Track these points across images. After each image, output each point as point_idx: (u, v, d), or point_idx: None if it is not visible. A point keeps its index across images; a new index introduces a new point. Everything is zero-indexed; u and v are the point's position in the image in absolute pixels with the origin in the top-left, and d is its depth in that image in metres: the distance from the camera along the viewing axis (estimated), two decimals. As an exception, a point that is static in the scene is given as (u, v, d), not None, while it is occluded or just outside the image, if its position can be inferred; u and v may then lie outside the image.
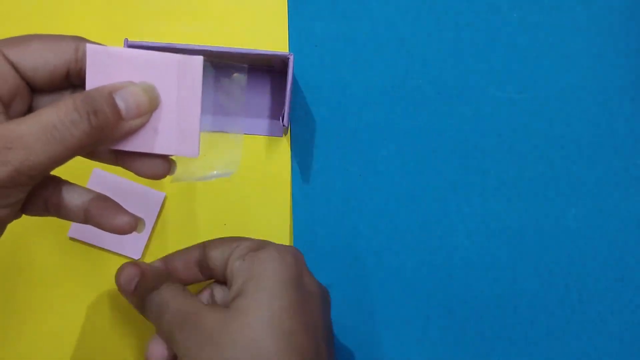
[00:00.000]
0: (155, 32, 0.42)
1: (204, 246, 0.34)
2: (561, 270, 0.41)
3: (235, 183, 0.41)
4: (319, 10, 0.42)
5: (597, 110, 0.42)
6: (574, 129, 0.42)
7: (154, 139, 0.27)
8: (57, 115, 0.24)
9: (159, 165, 0.28)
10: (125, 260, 0.40)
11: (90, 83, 0.27)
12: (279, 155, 0.41)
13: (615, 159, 0.42)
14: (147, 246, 0.40)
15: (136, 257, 0.39)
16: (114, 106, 0.26)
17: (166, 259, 0.35)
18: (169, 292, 0.31)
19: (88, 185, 0.39)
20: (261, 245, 0.32)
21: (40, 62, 0.27)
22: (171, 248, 0.40)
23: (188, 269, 0.34)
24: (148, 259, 0.40)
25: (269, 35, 0.42)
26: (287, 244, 0.40)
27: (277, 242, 0.33)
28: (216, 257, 0.33)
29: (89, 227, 0.39)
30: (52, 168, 0.25)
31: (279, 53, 0.37)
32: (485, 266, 0.41)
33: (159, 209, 0.40)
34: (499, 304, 0.40)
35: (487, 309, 0.40)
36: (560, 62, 0.42)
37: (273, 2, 0.42)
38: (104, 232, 0.39)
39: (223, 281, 0.33)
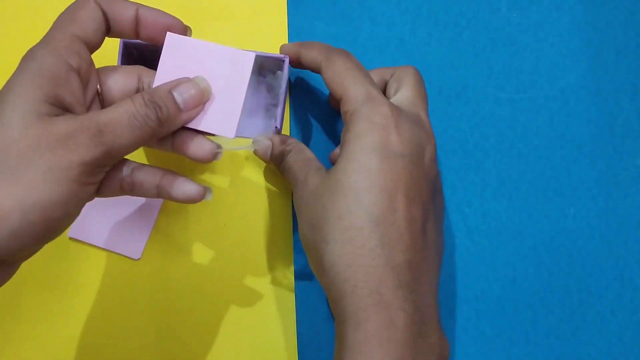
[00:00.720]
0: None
1: (320, 68, 0.36)
2: (561, 270, 0.41)
3: (235, 183, 0.41)
4: (319, 10, 0.42)
5: (597, 110, 0.42)
6: (573, 129, 0.42)
7: (201, 118, 0.32)
8: (134, 107, 0.30)
9: (207, 147, 0.33)
10: (125, 260, 0.40)
11: (163, 62, 0.32)
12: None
13: (615, 159, 0.42)
14: (147, 246, 0.40)
15: (136, 257, 0.39)
16: (174, 101, 0.31)
17: (300, 50, 0.37)
18: (292, 159, 0.36)
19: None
20: (355, 107, 0.33)
21: (95, 25, 0.31)
22: (171, 248, 0.40)
23: (316, 69, 0.36)
24: (148, 259, 0.40)
25: (269, 35, 0.42)
26: (288, 243, 0.40)
27: (297, 220, 0.36)
28: (331, 91, 0.35)
29: (88, 227, 0.40)
30: (130, 152, 0.30)
31: (274, 55, 0.37)
32: (485, 266, 0.41)
33: (159, 209, 0.40)
34: (499, 304, 0.40)
35: (487, 309, 0.40)
36: (560, 62, 0.43)
37: (273, 2, 0.42)
38: (104, 232, 0.39)
39: None
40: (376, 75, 0.37)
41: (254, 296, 0.40)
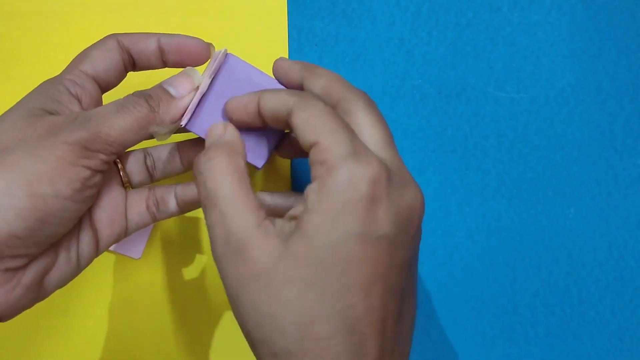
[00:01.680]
0: (153, 30, 0.42)
1: (290, 112, 0.28)
2: (561, 270, 0.41)
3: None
4: (319, 10, 0.42)
5: (597, 110, 0.42)
6: (574, 129, 0.42)
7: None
8: (124, 99, 0.30)
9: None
10: (125, 260, 0.40)
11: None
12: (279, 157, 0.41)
13: (615, 159, 0.42)
14: (147, 246, 0.40)
15: (136, 257, 0.39)
16: (164, 90, 0.31)
17: (260, 99, 0.30)
18: (218, 170, 0.28)
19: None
20: (335, 162, 0.26)
21: (108, 62, 0.32)
22: (172, 248, 0.40)
23: (279, 123, 0.30)
24: (148, 259, 0.40)
25: (269, 35, 0.42)
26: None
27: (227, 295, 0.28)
28: (300, 139, 0.28)
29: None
30: (127, 140, 0.29)
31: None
32: (485, 265, 0.41)
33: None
34: (499, 304, 0.40)
35: (487, 309, 0.40)
36: (560, 62, 0.43)
37: (273, 2, 0.42)
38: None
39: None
40: (284, 92, 0.30)
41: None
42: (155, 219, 0.34)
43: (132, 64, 0.33)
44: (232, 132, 0.30)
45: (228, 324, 0.39)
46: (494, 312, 0.40)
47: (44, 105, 0.29)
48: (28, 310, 0.39)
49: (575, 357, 0.40)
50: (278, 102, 0.29)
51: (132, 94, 0.31)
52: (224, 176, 0.27)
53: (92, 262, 0.39)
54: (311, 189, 0.26)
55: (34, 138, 0.27)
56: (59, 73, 0.31)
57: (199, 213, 0.40)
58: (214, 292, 0.40)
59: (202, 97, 0.32)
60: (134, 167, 0.34)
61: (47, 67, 0.41)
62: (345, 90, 0.29)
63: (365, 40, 0.42)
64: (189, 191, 0.33)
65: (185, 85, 0.31)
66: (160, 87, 0.31)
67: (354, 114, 0.29)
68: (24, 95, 0.30)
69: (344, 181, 0.25)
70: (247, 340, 0.27)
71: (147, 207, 0.33)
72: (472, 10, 0.43)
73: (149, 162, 0.35)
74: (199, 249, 0.40)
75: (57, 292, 0.39)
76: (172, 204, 0.33)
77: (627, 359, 0.40)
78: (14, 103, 0.29)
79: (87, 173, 0.28)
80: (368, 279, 0.25)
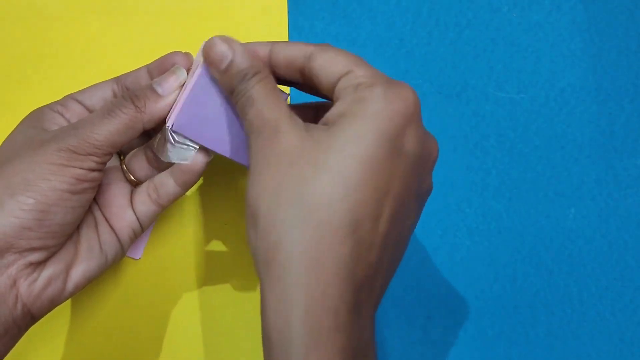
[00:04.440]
0: (153, 31, 0.42)
1: (310, 55, 0.30)
2: (561, 270, 0.41)
3: (235, 183, 0.41)
4: (319, 10, 0.42)
5: (597, 110, 0.42)
6: (573, 129, 0.42)
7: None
8: (111, 103, 0.31)
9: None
10: (125, 260, 0.40)
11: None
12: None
13: (615, 159, 0.42)
14: (147, 246, 0.40)
15: (136, 257, 0.39)
16: (152, 89, 0.32)
17: (273, 47, 0.31)
18: (257, 88, 0.29)
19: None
20: (373, 81, 0.27)
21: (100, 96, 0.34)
22: (172, 248, 0.40)
23: (289, 70, 0.31)
24: (148, 260, 0.40)
25: (269, 35, 0.42)
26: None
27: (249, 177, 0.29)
28: (324, 74, 0.29)
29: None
30: (116, 142, 0.31)
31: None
32: (485, 265, 0.41)
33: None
34: (499, 304, 0.40)
35: (487, 309, 0.40)
36: (560, 62, 0.43)
37: (273, 2, 0.42)
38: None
39: (321, 95, 0.32)
40: (297, 44, 0.31)
41: (255, 295, 0.40)
42: (160, 205, 0.34)
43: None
44: (243, 56, 0.30)
45: (229, 324, 0.39)
46: (494, 312, 0.40)
47: (35, 124, 0.32)
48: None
49: (576, 358, 0.40)
50: (294, 49, 0.30)
51: (121, 95, 0.32)
52: (260, 92, 0.29)
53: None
54: (345, 92, 0.27)
55: (30, 149, 0.30)
56: (58, 73, 0.32)
57: (199, 211, 0.40)
58: (214, 292, 0.40)
59: (186, 100, 0.32)
60: (137, 165, 0.35)
61: (49, 67, 0.40)
62: (306, 45, 0.30)
63: (365, 40, 0.42)
64: (184, 165, 0.33)
65: (171, 83, 0.32)
66: (148, 86, 0.32)
67: (318, 56, 0.30)
68: (25, 96, 0.32)
69: (381, 94, 0.27)
70: (252, 219, 0.27)
71: (148, 195, 0.34)
72: (472, 10, 0.43)
73: (149, 155, 0.35)
74: (199, 249, 0.40)
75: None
76: (170, 184, 0.34)
77: (628, 359, 0.40)
78: (13, 103, 0.30)
79: (80, 172, 0.30)
80: (382, 184, 0.26)
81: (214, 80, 0.31)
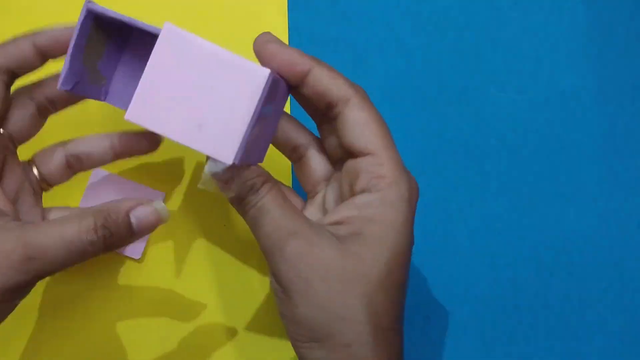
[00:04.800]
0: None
1: (348, 101, 0.29)
2: (562, 271, 0.41)
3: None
4: (319, 10, 0.42)
5: (598, 111, 0.42)
6: (574, 129, 0.42)
7: (195, 134, 0.27)
8: (78, 234, 0.27)
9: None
10: (125, 260, 0.40)
11: (155, 62, 0.27)
12: (279, 158, 0.41)
13: (615, 159, 0.42)
14: (147, 246, 0.40)
15: (136, 257, 0.39)
16: (129, 225, 0.28)
17: (313, 71, 0.29)
18: (269, 197, 0.28)
19: (88, 185, 0.39)
20: (395, 177, 0.28)
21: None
22: (172, 249, 0.40)
23: (316, 99, 0.30)
24: (148, 260, 0.40)
25: (269, 35, 0.42)
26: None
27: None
28: (350, 131, 0.29)
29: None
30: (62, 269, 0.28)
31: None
32: (485, 266, 0.41)
33: (159, 209, 0.40)
34: (499, 304, 0.40)
35: (487, 309, 0.40)
36: (560, 63, 0.42)
37: (273, 2, 0.42)
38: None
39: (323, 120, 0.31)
40: (341, 77, 0.30)
41: (255, 296, 0.40)
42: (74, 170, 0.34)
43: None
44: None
45: (229, 325, 0.39)
46: (494, 313, 0.40)
47: None
48: (28, 311, 0.39)
49: (576, 358, 0.40)
50: (333, 87, 0.29)
51: (95, 221, 0.28)
52: (274, 201, 0.28)
53: (92, 262, 0.39)
54: (371, 202, 0.28)
55: None
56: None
57: (198, 212, 0.40)
58: (214, 292, 0.40)
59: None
60: (54, 169, 0.33)
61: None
62: (347, 84, 0.30)
63: (365, 41, 0.42)
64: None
65: (150, 221, 0.29)
66: (125, 217, 0.28)
67: (356, 108, 0.29)
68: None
69: (403, 197, 0.28)
70: (299, 334, 0.28)
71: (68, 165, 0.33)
72: (472, 11, 0.43)
73: (70, 160, 0.34)
74: (199, 249, 0.40)
75: (56, 292, 0.39)
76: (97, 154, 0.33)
77: (627, 359, 0.40)
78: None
79: (18, 301, 0.29)
80: (403, 280, 0.29)
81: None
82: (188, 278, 0.40)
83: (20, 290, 0.28)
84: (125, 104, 0.33)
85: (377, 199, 0.28)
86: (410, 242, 0.29)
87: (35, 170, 0.33)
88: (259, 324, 0.39)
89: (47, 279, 0.39)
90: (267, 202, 0.28)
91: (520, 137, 0.42)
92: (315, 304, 0.27)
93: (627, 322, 0.40)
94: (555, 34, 0.43)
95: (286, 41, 0.42)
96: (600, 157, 0.42)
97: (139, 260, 0.40)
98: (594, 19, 0.43)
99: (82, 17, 0.29)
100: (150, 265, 0.40)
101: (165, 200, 0.40)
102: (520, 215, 0.41)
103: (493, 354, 0.40)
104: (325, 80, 0.29)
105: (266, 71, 0.27)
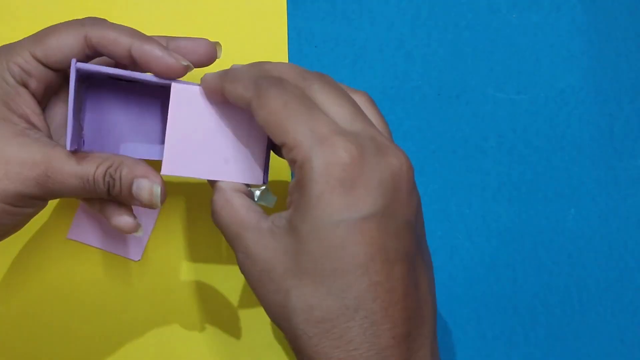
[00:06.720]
0: (152, 31, 0.42)
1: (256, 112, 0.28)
2: (561, 271, 0.41)
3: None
4: (319, 10, 0.42)
5: (597, 111, 0.42)
6: (573, 130, 0.42)
7: (224, 169, 0.31)
8: (92, 175, 0.30)
9: (128, 223, 0.33)
10: (125, 262, 0.40)
11: (173, 117, 0.30)
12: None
13: (615, 160, 0.42)
14: (147, 247, 0.40)
15: (136, 258, 0.39)
16: (129, 188, 0.31)
17: (224, 85, 0.29)
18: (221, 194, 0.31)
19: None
20: (304, 156, 0.26)
21: (64, 54, 0.31)
22: (171, 249, 0.40)
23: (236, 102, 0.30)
24: (148, 260, 0.40)
25: (269, 36, 0.42)
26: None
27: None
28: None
29: (88, 229, 0.40)
30: (72, 196, 0.31)
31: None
32: (485, 266, 0.41)
33: (158, 211, 0.40)
34: (499, 304, 0.40)
35: (487, 309, 0.40)
36: (559, 63, 0.42)
37: (273, 3, 0.42)
38: (103, 233, 0.39)
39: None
40: (244, 82, 0.29)
41: (254, 296, 0.40)
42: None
43: (96, 55, 0.32)
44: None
45: (228, 325, 0.39)
46: (494, 313, 0.40)
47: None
48: (26, 314, 0.39)
49: (576, 358, 0.40)
50: (237, 97, 0.29)
51: (108, 167, 0.30)
52: (223, 204, 0.30)
53: (92, 264, 0.40)
54: (292, 186, 0.27)
55: None
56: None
57: (198, 213, 0.40)
58: (213, 293, 0.40)
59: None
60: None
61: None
62: (299, 76, 0.29)
63: (365, 41, 0.42)
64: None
65: (143, 197, 0.31)
66: (130, 180, 0.31)
67: (313, 98, 0.28)
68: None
69: (314, 174, 0.26)
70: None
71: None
72: (472, 11, 0.43)
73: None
74: (199, 250, 0.40)
75: (55, 295, 0.39)
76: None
77: (627, 359, 0.40)
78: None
79: (32, 209, 0.31)
80: (361, 258, 0.26)
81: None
82: (188, 279, 0.40)
83: (32, 201, 0.30)
84: (102, 146, 0.34)
85: (294, 183, 0.27)
86: (339, 219, 0.26)
87: None
88: (260, 324, 0.39)
89: (47, 279, 0.39)
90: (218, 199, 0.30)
91: (520, 137, 0.42)
92: (262, 303, 0.29)
93: (627, 322, 0.40)
94: (554, 34, 0.43)
95: (286, 41, 0.42)
96: (600, 156, 0.42)
97: (138, 262, 0.40)
98: (593, 19, 0.43)
99: (73, 78, 0.30)
100: (150, 267, 0.40)
101: (165, 201, 0.40)
102: (520, 215, 0.41)
103: (493, 354, 0.40)
104: (231, 93, 0.29)
105: None
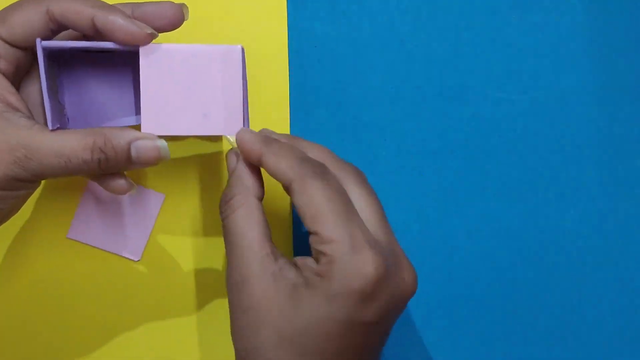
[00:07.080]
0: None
1: (290, 185, 0.30)
2: (561, 271, 0.41)
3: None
4: (319, 10, 0.42)
5: (597, 111, 0.42)
6: (573, 130, 0.42)
7: (204, 123, 0.31)
8: (74, 150, 0.29)
9: (123, 186, 0.33)
10: (125, 261, 0.40)
11: (145, 77, 0.31)
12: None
13: (615, 160, 0.42)
14: (147, 247, 0.40)
15: (136, 258, 0.39)
16: (128, 155, 0.30)
17: (264, 158, 0.31)
18: (242, 221, 0.30)
19: (88, 185, 0.39)
20: (334, 256, 0.28)
21: (28, 31, 0.30)
22: (171, 249, 0.40)
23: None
24: (148, 261, 0.40)
25: (269, 35, 0.42)
26: (288, 243, 0.40)
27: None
28: (300, 211, 0.30)
29: (87, 229, 0.40)
30: (60, 176, 0.30)
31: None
32: (485, 266, 0.41)
33: (158, 210, 0.40)
34: (499, 304, 0.41)
35: (487, 309, 0.40)
36: (560, 63, 0.42)
37: (273, 2, 0.42)
38: (103, 233, 0.39)
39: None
40: (287, 160, 0.30)
41: (254, 297, 0.40)
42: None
43: (61, 29, 0.31)
44: (245, 173, 0.32)
45: (228, 325, 0.39)
46: (494, 313, 0.40)
47: None
48: (27, 312, 0.39)
49: (576, 358, 0.40)
50: (278, 172, 0.30)
51: (95, 141, 0.30)
52: (246, 227, 0.30)
53: (92, 264, 0.40)
54: (314, 269, 0.29)
55: None
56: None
57: (198, 212, 0.40)
58: (212, 293, 0.40)
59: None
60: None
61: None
62: (336, 165, 0.31)
63: (365, 41, 0.42)
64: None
65: (149, 156, 0.31)
66: (126, 147, 0.30)
67: (348, 190, 0.30)
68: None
69: (341, 276, 0.28)
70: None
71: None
72: (472, 11, 0.43)
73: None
74: (198, 250, 0.40)
75: (56, 293, 0.39)
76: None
77: (627, 359, 0.40)
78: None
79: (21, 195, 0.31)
80: (340, 351, 0.28)
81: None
82: (188, 279, 0.40)
83: (20, 183, 0.30)
84: (88, 123, 0.34)
85: (317, 268, 0.29)
86: (344, 319, 0.28)
87: None
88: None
89: (47, 279, 0.39)
90: (232, 220, 0.31)
91: (520, 137, 0.42)
92: (233, 335, 0.31)
93: (627, 322, 0.41)
94: (554, 35, 0.43)
95: (286, 41, 0.42)
96: (600, 157, 0.42)
97: (138, 262, 0.40)
98: (593, 18, 0.43)
99: (41, 57, 0.30)
100: (150, 266, 0.40)
101: (165, 202, 0.40)
102: (520, 215, 0.41)
103: (493, 354, 0.40)
104: (272, 166, 0.30)
105: (238, 46, 0.32)
